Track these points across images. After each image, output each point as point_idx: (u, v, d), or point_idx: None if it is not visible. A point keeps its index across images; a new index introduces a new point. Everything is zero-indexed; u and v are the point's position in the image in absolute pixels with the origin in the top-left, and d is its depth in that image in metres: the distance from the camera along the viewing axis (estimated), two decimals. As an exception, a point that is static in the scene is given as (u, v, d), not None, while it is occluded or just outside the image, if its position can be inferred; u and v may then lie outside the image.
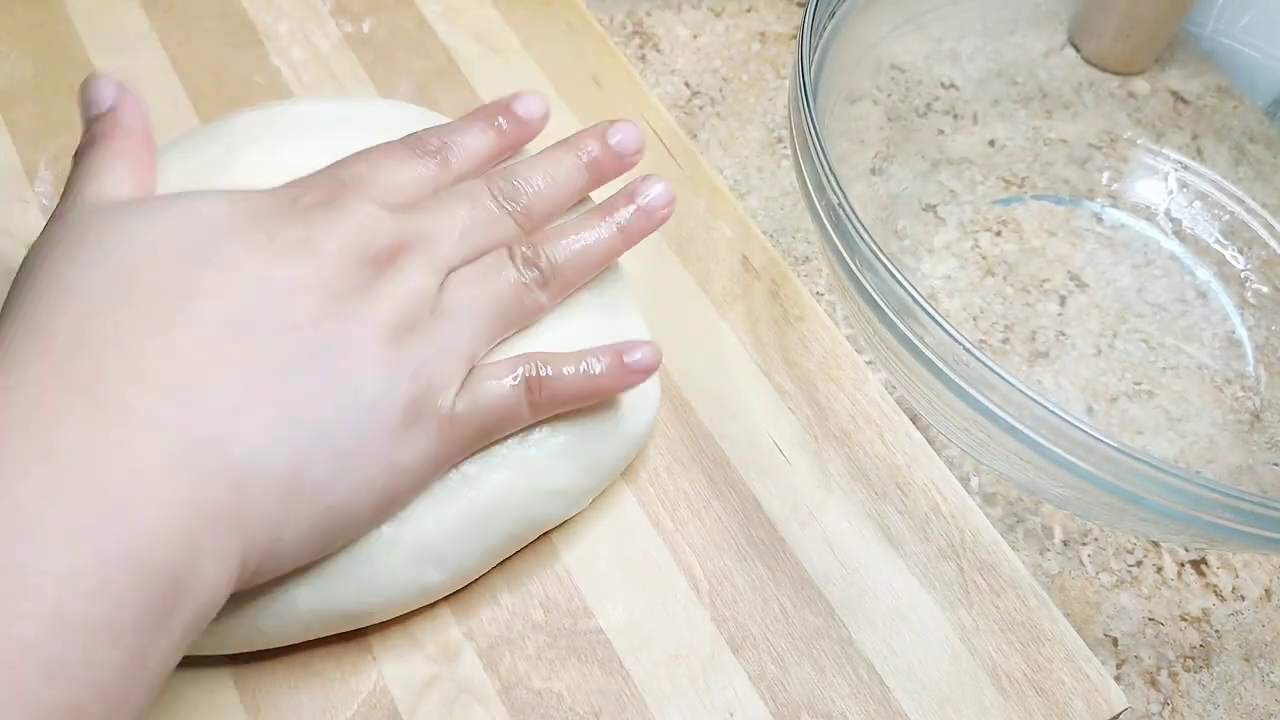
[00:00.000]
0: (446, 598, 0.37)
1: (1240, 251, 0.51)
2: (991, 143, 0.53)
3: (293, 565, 0.31)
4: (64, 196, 0.31)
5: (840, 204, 0.34)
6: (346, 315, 0.30)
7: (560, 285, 0.36)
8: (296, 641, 0.35)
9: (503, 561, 0.37)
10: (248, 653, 0.35)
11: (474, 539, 0.34)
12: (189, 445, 0.26)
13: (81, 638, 0.23)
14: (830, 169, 0.35)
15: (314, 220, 0.31)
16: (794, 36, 0.56)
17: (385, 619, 0.35)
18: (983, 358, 0.31)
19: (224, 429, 0.27)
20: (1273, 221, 0.51)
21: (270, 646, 0.34)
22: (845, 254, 0.35)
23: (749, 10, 0.57)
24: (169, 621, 0.25)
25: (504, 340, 0.35)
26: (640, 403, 0.38)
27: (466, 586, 0.37)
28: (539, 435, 0.35)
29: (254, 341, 0.28)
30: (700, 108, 0.53)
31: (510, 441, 0.35)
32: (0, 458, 0.24)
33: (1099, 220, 0.51)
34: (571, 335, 0.37)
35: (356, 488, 0.30)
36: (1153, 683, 0.40)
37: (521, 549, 0.38)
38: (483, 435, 0.34)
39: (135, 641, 0.24)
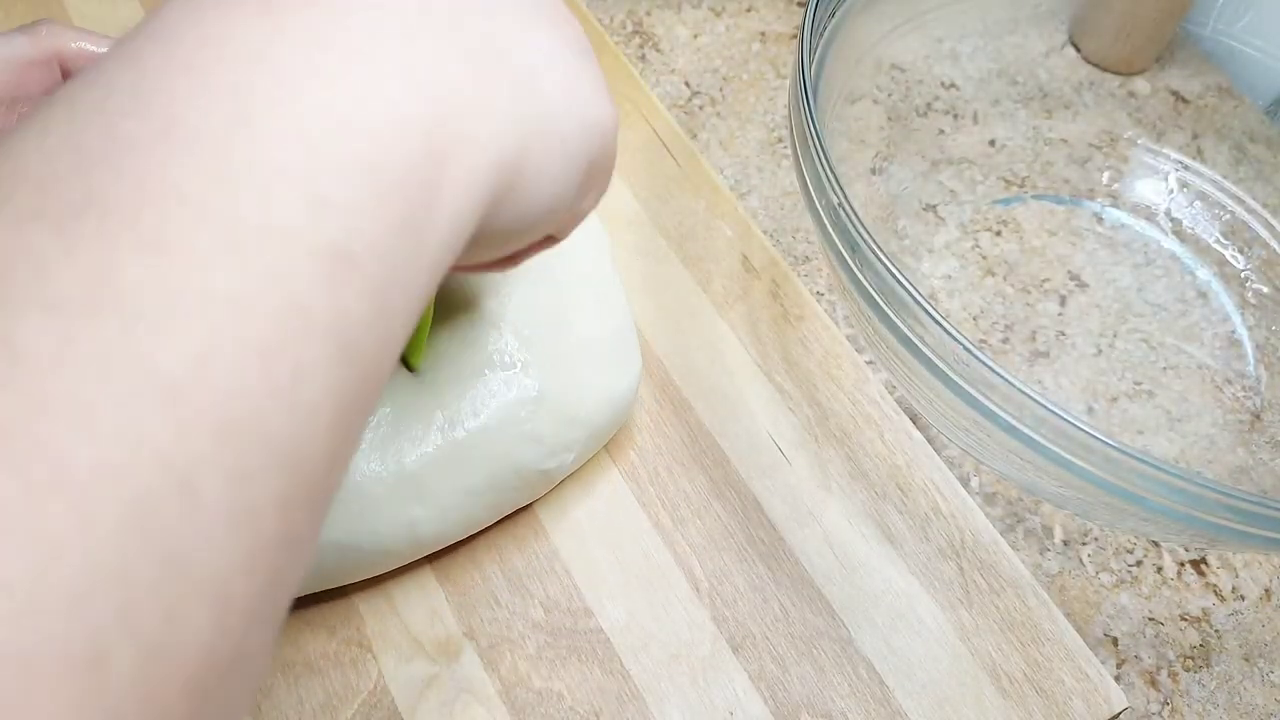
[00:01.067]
0: (448, 597, 0.37)
1: (1240, 251, 0.51)
2: (991, 143, 0.53)
3: (495, 242, 0.25)
4: None
5: (840, 204, 0.34)
6: None
7: None
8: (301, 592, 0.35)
9: (502, 559, 0.37)
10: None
11: (454, 476, 0.35)
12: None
13: (341, 188, 0.18)
14: (830, 169, 0.35)
15: None
16: (794, 36, 0.56)
17: (383, 567, 0.35)
18: (983, 358, 0.31)
19: None
20: (1273, 221, 0.51)
21: None
22: (845, 254, 0.35)
23: (749, 10, 0.57)
24: (432, 212, 0.20)
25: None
26: (620, 363, 0.38)
27: (468, 586, 0.37)
28: (517, 382, 0.36)
29: None
30: (700, 107, 0.53)
31: (490, 389, 0.35)
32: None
33: (1099, 220, 0.51)
34: (545, 292, 0.38)
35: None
36: (1153, 682, 0.40)
37: (523, 552, 0.38)
38: None
39: (404, 212, 0.19)
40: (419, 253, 0.20)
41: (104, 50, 0.33)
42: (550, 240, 0.29)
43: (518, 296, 0.37)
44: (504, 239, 0.25)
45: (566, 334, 0.37)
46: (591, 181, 0.26)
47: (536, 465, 0.36)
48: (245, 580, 0.16)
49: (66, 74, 0.34)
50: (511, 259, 0.29)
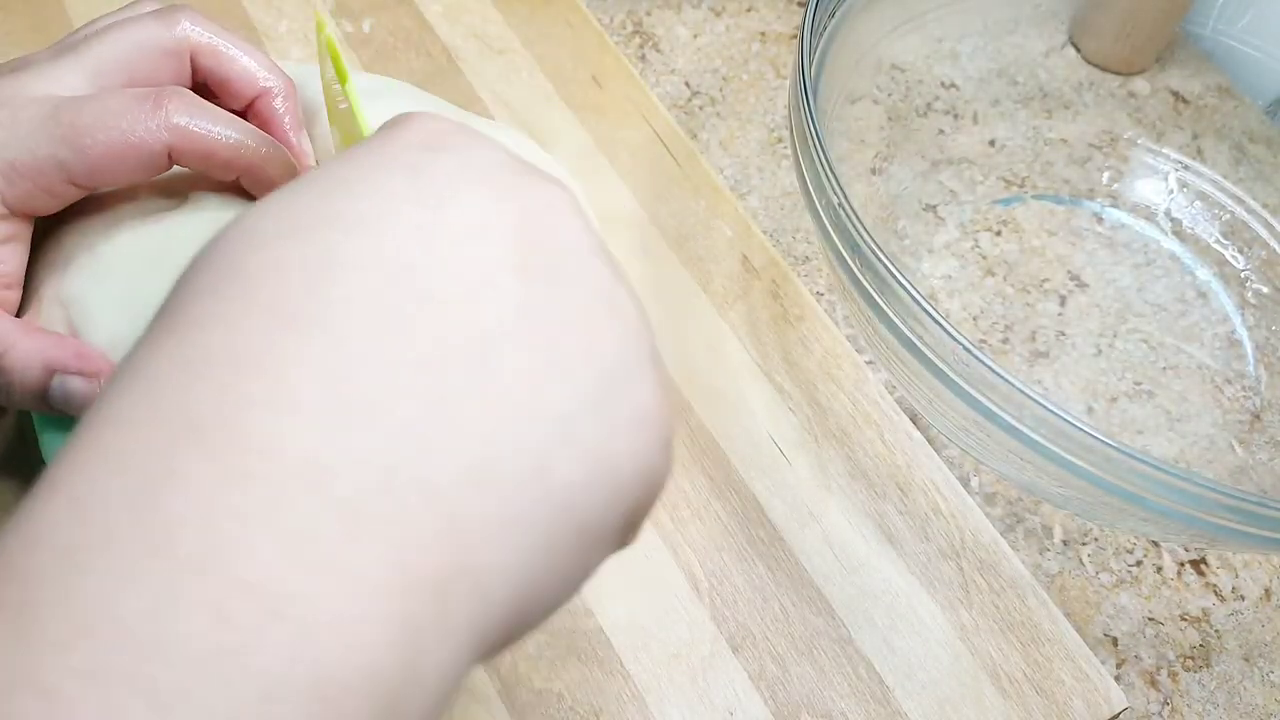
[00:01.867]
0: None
1: (1240, 251, 0.51)
2: (991, 143, 0.53)
3: (549, 605, 0.21)
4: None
5: (840, 204, 0.34)
6: None
7: None
8: None
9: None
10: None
11: None
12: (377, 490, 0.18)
13: None
14: (830, 169, 0.35)
15: None
16: (794, 36, 0.56)
17: None
18: (983, 358, 0.31)
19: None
20: (1273, 221, 0.51)
21: None
22: (845, 254, 0.35)
23: (749, 10, 0.57)
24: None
25: None
26: None
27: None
28: None
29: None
30: (700, 108, 0.53)
31: None
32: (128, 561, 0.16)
33: (1099, 220, 0.51)
34: None
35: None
36: (1153, 683, 0.40)
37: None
38: None
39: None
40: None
41: (233, 48, 0.34)
42: None
43: None
44: (516, 638, 0.21)
45: None
46: (627, 535, 0.22)
47: None
48: None
49: (196, 66, 0.34)
50: None
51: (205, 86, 0.35)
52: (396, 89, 0.43)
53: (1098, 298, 0.49)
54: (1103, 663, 0.38)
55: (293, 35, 0.50)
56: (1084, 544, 0.43)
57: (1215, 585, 0.43)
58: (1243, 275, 0.50)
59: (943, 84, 0.54)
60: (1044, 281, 0.49)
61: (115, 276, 0.34)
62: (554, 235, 0.20)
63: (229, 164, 0.32)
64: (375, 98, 0.41)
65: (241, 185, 0.34)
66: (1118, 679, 0.40)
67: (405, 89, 0.43)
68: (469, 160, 0.21)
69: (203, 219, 0.35)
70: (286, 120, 0.35)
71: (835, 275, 0.37)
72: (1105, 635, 0.41)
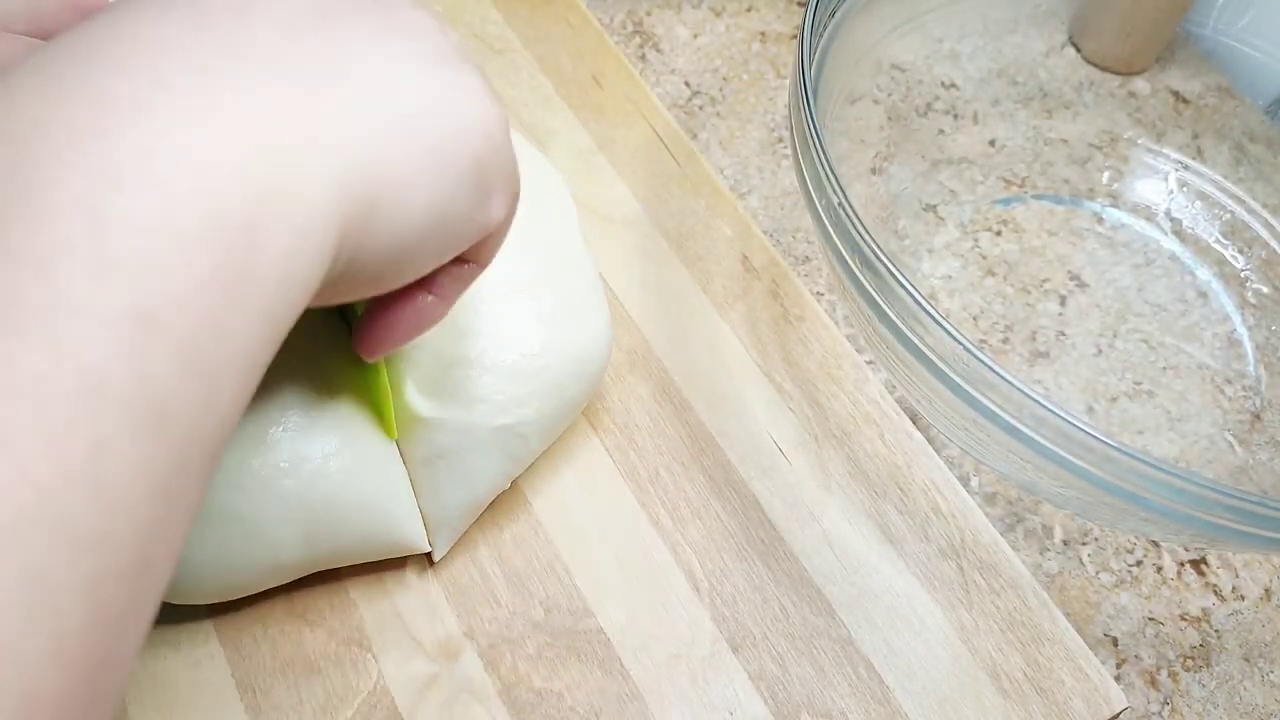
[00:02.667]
0: (448, 597, 0.37)
1: (1240, 251, 0.51)
2: (991, 143, 0.53)
3: (380, 269, 0.24)
4: None
5: (840, 204, 0.34)
6: None
7: None
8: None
9: (502, 559, 0.37)
10: (249, 651, 0.35)
11: (460, 364, 0.35)
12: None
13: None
14: (830, 169, 0.35)
15: None
16: (794, 36, 0.56)
17: (393, 541, 0.36)
18: (983, 358, 0.31)
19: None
20: (1273, 221, 0.51)
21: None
22: (845, 254, 0.35)
23: (749, 10, 0.57)
24: (253, 264, 0.19)
25: None
26: (578, 321, 0.37)
27: (468, 586, 0.37)
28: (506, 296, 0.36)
29: None
30: (700, 107, 0.53)
31: (484, 297, 0.36)
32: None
33: (1099, 220, 0.51)
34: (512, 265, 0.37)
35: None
36: (1153, 682, 0.40)
37: (523, 552, 0.38)
38: None
39: (213, 268, 0.19)
40: (243, 306, 0.19)
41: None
42: (467, 263, 0.28)
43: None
44: (388, 266, 0.24)
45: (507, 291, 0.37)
46: (487, 186, 0.25)
47: (488, 422, 0.35)
48: (54, 673, 0.16)
49: None
50: (431, 283, 0.28)
51: None
52: None
53: (1098, 298, 0.49)
54: (1103, 663, 0.38)
55: (293, 35, 0.50)
56: (1084, 544, 0.43)
57: (1215, 585, 0.43)
58: (1243, 275, 0.50)
59: (943, 84, 0.54)
60: (1044, 281, 0.49)
61: None
62: None
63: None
64: None
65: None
66: (1118, 679, 0.40)
67: None
68: None
69: None
70: None
71: (835, 275, 0.37)
72: (1105, 635, 0.41)
